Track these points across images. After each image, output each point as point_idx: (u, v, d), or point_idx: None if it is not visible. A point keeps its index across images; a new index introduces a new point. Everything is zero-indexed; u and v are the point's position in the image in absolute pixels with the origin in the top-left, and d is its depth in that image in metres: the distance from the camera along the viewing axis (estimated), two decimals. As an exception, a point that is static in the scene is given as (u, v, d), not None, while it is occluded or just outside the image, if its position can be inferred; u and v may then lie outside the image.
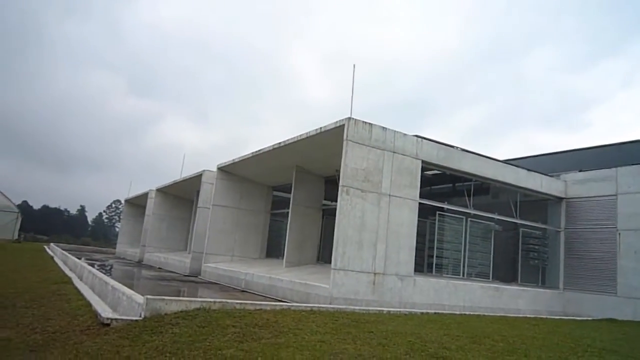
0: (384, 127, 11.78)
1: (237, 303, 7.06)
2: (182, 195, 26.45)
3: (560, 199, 15.63)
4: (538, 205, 15.89)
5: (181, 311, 6.34)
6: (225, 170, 18.73)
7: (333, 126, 11.74)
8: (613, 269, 13.81)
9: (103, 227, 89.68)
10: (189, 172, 23.31)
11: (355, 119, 11.35)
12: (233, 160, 17.73)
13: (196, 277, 18.00)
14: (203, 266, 18.06)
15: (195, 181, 21.84)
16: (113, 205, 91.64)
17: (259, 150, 15.66)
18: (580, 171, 15.53)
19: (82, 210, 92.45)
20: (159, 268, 22.45)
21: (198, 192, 21.46)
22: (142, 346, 5.10)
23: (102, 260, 25.81)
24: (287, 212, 16.43)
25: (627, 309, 13.16)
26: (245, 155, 16.75)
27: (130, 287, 8.41)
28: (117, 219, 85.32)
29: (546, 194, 15.38)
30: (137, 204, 34.69)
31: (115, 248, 38.59)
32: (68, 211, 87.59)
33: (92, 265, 15.47)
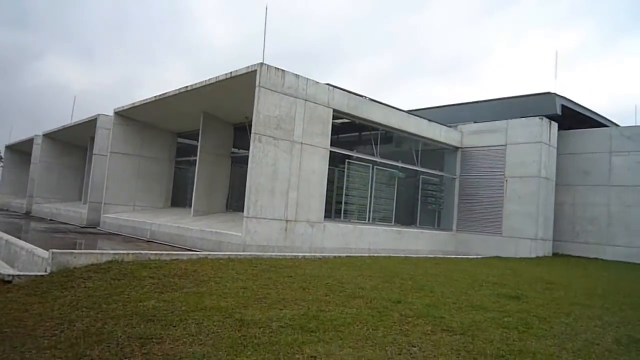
0: (296, 74, 11.63)
1: (152, 254, 6.81)
2: (74, 141, 24.36)
3: (457, 148, 16.78)
4: (436, 154, 16.94)
5: (92, 264, 5.98)
6: (124, 115, 17.48)
7: (244, 71, 11.36)
8: (499, 212, 15.31)
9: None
10: (78, 116, 21.43)
11: (268, 65, 11.06)
12: (133, 103, 16.56)
13: (94, 228, 17.01)
14: (102, 217, 17.07)
15: (88, 126, 20.13)
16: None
17: (162, 94, 14.76)
18: (475, 122, 16.70)
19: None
20: (51, 220, 20.84)
21: (92, 138, 19.87)
22: (54, 302, 4.77)
23: (-18, 213, 23.39)
24: (194, 160, 15.91)
25: (510, 247, 14.78)
26: (146, 99, 15.71)
27: (25, 241, 7.73)
28: (-5, 167, 76.95)
29: (444, 143, 16.40)
30: (21, 150, 31.41)
31: (-5, 199, 35.01)
32: None
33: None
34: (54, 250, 5.83)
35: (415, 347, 4.14)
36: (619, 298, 7.52)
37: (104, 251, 6.40)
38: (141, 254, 6.70)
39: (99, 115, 19.06)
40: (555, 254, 15.79)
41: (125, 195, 17.50)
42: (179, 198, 18.76)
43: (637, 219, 15.15)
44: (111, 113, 17.70)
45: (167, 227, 13.46)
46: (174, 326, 4.22)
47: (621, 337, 5.01)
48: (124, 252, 6.50)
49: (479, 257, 13.63)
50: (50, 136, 24.68)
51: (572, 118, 16.81)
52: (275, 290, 5.76)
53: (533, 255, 14.46)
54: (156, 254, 6.89)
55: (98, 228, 16.93)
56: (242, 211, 10.82)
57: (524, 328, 4.97)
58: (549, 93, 16.30)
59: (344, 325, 4.58)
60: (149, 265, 6.29)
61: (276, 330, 4.28)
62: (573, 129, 16.86)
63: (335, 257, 9.47)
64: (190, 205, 15.33)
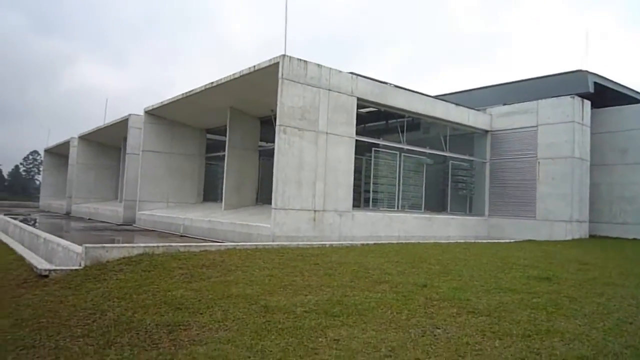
0: (319, 64, 11.62)
1: (181, 246, 6.98)
2: (108, 142, 25.09)
3: (486, 131, 16.43)
4: (465, 138, 16.64)
5: (123, 258, 6.18)
6: (154, 114, 17.88)
7: (267, 64, 11.43)
8: (532, 195, 14.94)
9: (21, 181, 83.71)
10: (111, 118, 22.02)
11: (290, 56, 11.09)
12: (162, 102, 16.92)
13: (130, 225, 17.52)
14: (137, 214, 17.55)
15: (121, 126, 20.69)
16: (30, 157, 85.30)
17: (189, 91, 15.01)
18: (504, 104, 16.30)
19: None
20: (89, 219, 21.58)
21: (125, 138, 20.41)
22: (87, 294, 4.96)
23: (26, 215, 24.39)
24: (223, 155, 16.12)
25: (544, 230, 14.42)
26: (175, 97, 16.02)
27: (62, 239, 8.05)
28: (37, 171, 79.80)
29: (473, 127, 16.09)
30: (59, 153, 32.57)
31: (38, 202, 36.45)
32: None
33: (16, 219, 14.57)
34: (87, 245, 6.05)
35: (439, 329, 4.12)
36: (657, 278, 7.26)
37: (135, 245, 6.60)
38: (171, 246, 6.88)
39: (130, 115, 19.55)
40: (592, 236, 15.32)
41: (159, 192, 17.92)
42: (211, 193, 19.10)
43: (680, 197, 14.52)
44: (142, 113, 18.11)
45: (199, 221, 13.73)
46: (201, 313, 4.33)
47: (657, 315, 4.85)
48: (155, 245, 6.69)
49: (511, 241, 13.37)
50: (85, 138, 25.48)
51: (605, 95, 16.19)
52: (301, 277, 5.82)
53: (568, 238, 14.07)
54: (185, 245, 7.06)
55: (134, 225, 17.42)
56: (271, 204, 10.93)
57: (553, 309, 4.87)
58: (580, 71, 15.75)
59: (368, 309, 4.60)
60: (179, 257, 6.46)
61: (300, 315, 4.34)
62: (607, 106, 16.25)
63: (362, 244, 9.47)
64: (221, 200, 15.58)
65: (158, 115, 17.88)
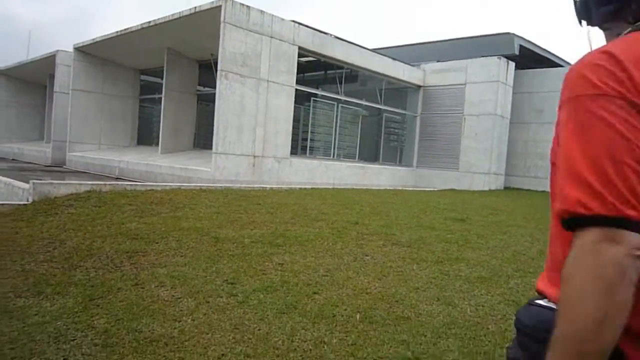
0: (261, 11, 11.69)
1: (127, 184, 7.21)
2: (31, 79, 23.55)
3: (419, 87, 17.27)
4: (400, 92, 17.43)
5: (71, 194, 6.35)
6: (84, 51, 17.05)
7: (209, 6, 11.32)
8: (457, 149, 16.15)
9: None
10: (25, 50, 20.63)
11: (233, 0, 11.07)
12: (93, 39, 16.15)
13: (60, 167, 17.02)
14: (68, 155, 17.03)
15: (46, 63, 19.48)
16: None
17: (124, 30, 14.48)
18: (437, 61, 17.14)
19: None
20: (13, 159, 20.59)
21: (52, 75, 19.35)
22: (41, 226, 5.19)
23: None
24: (158, 98, 15.89)
25: (465, 180, 15.75)
26: (107, 35, 15.37)
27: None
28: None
29: (407, 82, 16.85)
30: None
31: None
32: None
33: None
34: (35, 181, 6.17)
35: (368, 256, 4.82)
36: (553, 221, 8.45)
37: (83, 182, 6.75)
38: (118, 184, 7.09)
39: (57, 51, 18.48)
40: (507, 188, 16.92)
41: (90, 133, 17.40)
42: (145, 136, 18.78)
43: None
44: (69, 48, 17.24)
45: (135, 164, 13.69)
46: (156, 242, 4.75)
47: (545, 249, 5.84)
48: (102, 183, 6.89)
49: (436, 189, 14.53)
50: (4, 73, 23.75)
51: (529, 58, 17.46)
52: (245, 215, 6.33)
53: (486, 189, 15.50)
54: (132, 184, 7.29)
55: (64, 167, 16.95)
56: (209, 149, 11.18)
57: (463, 242, 5.74)
58: (507, 33, 16.80)
59: (308, 241, 5.21)
60: (126, 194, 6.71)
61: (248, 245, 4.87)
62: (531, 68, 17.55)
63: (301, 189, 10.07)
64: (156, 144, 15.49)
65: (89, 52, 17.09)
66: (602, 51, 0.82)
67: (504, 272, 4.67)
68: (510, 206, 10.55)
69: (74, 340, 2.81)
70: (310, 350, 2.81)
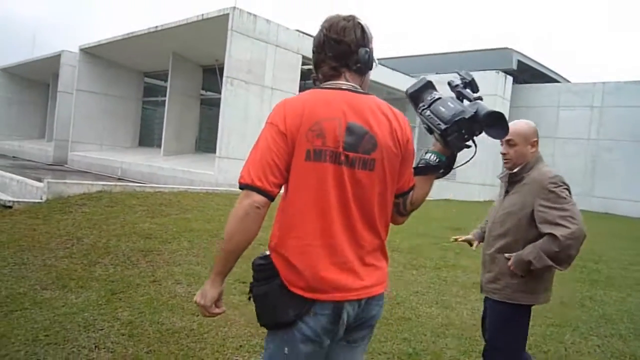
0: (268, 20, 11.98)
1: (136, 186, 7.44)
2: (35, 77, 23.73)
3: (418, 97, 17.56)
4: (398, 102, 17.72)
5: (84, 194, 6.57)
6: (89, 52, 17.29)
7: (216, 14, 11.61)
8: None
9: None
10: (34, 53, 20.85)
11: (240, 9, 11.36)
12: (99, 41, 16.41)
13: (62, 166, 17.19)
14: (70, 155, 17.22)
15: (51, 62, 19.70)
16: None
17: (131, 33, 14.75)
18: (436, 74, 17.48)
19: None
20: (14, 157, 20.74)
21: (56, 74, 19.56)
22: (58, 224, 5.41)
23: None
24: (161, 100, 16.10)
25: (461, 191, 16.05)
26: (113, 37, 15.63)
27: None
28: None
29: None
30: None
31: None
32: None
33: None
34: (50, 180, 6.39)
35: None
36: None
37: (94, 182, 6.98)
38: (128, 185, 7.33)
39: (63, 51, 18.71)
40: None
41: (93, 133, 17.58)
42: (147, 138, 18.99)
43: (575, 168, 16.63)
44: (77, 50, 17.47)
45: (137, 165, 13.90)
46: (169, 242, 4.99)
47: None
48: (112, 184, 7.12)
49: (431, 199, 14.81)
50: (7, 71, 23.95)
51: (527, 73, 17.86)
52: (251, 218, 6.56)
53: (482, 199, 15.80)
54: (140, 185, 7.52)
55: (66, 166, 17.12)
56: (211, 152, 11.41)
57: (459, 251, 6.00)
58: (506, 48, 17.19)
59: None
60: (136, 195, 6.94)
61: (257, 247, 5.10)
62: (529, 83, 17.95)
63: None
64: (158, 146, 15.69)
65: (94, 54, 17.33)
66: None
67: (498, 279, 4.93)
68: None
69: (102, 330, 3.05)
70: (320, 344, 3.06)
